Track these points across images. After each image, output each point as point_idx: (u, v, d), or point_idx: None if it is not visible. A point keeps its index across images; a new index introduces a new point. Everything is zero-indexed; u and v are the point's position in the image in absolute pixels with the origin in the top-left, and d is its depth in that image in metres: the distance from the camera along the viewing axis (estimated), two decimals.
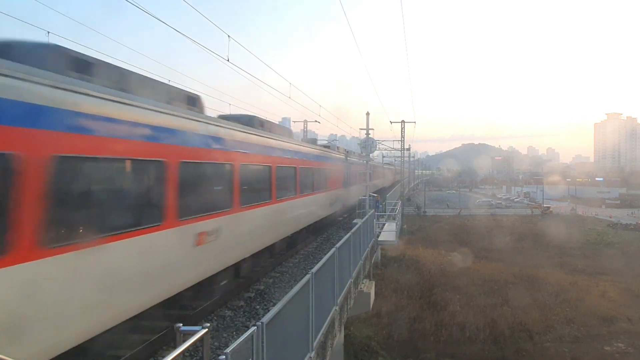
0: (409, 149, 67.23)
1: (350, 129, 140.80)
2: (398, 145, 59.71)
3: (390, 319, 23.81)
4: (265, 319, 5.00)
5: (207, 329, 4.18)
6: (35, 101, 5.11)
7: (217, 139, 9.42)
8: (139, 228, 6.63)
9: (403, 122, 59.92)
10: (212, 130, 9.28)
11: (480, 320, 24.78)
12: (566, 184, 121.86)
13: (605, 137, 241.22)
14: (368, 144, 24.63)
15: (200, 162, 8.71)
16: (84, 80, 6.22)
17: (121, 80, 7.25)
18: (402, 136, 59.50)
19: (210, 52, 11.82)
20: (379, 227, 22.95)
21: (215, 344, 8.12)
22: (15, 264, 4.76)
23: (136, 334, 8.66)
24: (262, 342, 4.81)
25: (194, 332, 4.10)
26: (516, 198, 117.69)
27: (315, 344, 7.60)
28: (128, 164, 6.75)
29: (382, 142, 54.31)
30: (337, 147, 27.72)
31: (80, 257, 5.55)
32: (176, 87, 9.56)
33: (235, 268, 10.59)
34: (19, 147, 4.88)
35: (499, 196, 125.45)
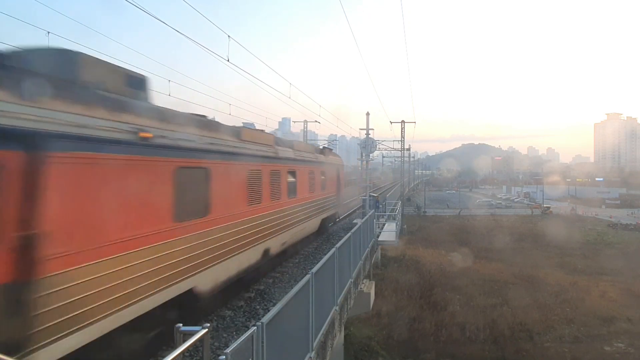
0: (409, 149, 67.27)
1: (350, 129, 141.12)
2: (398, 146, 59.77)
3: (390, 319, 23.81)
4: (265, 319, 5.00)
5: (207, 329, 4.18)
6: None
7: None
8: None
9: (403, 122, 59.92)
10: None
11: (480, 320, 24.78)
12: (566, 184, 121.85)
13: (605, 137, 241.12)
14: (368, 144, 24.65)
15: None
16: None
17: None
18: (402, 136, 59.53)
19: (210, 52, 11.84)
20: (379, 227, 22.97)
21: (215, 344, 8.11)
22: None
23: (136, 333, 8.69)
24: (262, 342, 4.81)
25: (194, 332, 4.10)
26: (516, 198, 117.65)
27: (315, 344, 7.60)
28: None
29: (382, 142, 54.39)
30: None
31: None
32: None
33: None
34: None
35: (499, 196, 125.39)
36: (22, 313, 4.65)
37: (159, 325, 7.11)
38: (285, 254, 14.73)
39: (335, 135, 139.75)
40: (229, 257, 9.31)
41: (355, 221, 19.36)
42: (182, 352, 3.76)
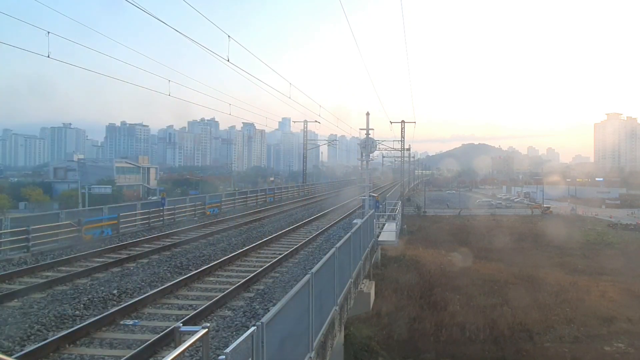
0: (409, 149, 67.43)
1: (350, 129, 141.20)
2: (398, 146, 59.90)
3: (390, 319, 23.82)
4: (265, 319, 5.00)
5: (206, 329, 4.19)
6: None
7: None
8: None
9: (403, 122, 60.11)
10: None
11: (480, 320, 24.78)
12: (566, 184, 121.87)
13: (605, 137, 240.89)
14: (368, 144, 24.63)
15: None
16: None
17: None
18: (402, 136, 59.68)
19: (210, 52, 11.85)
20: (379, 227, 22.96)
21: (215, 344, 8.12)
22: None
23: (136, 333, 8.71)
24: (262, 342, 4.81)
25: (193, 332, 4.11)
26: (516, 198, 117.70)
27: (315, 344, 7.61)
28: None
29: (382, 142, 54.47)
30: None
31: None
32: None
33: None
34: None
35: (499, 196, 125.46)
36: None
37: None
38: None
39: (335, 135, 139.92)
40: None
41: (355, 221, 19.35)
42: (182, 352, 3.77)
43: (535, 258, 43.43)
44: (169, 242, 18.61)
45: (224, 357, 3.98)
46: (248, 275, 12.88)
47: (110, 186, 72.35)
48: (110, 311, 9.46)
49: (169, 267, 14.19)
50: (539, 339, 23.89)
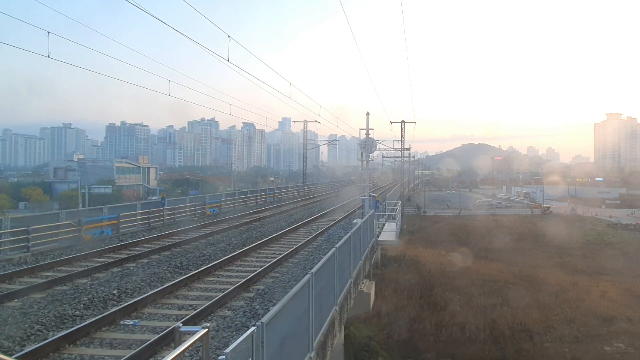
0: (409, 149, 67.48)
1: (350, 129, 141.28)
2: (398, 146, 59.98)
3: (390, 319, 23.81)
4: (265, 319, 4.99)
5: (206, 329, 4.19)
6: None
7: None
8: None
9: (403, 122, 60.19)
10: None
11: (480, 320, 24.77)
12: (566, 184, 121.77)
13: (605, 137, 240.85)
14: (368, 144, 24.62)
15: None
16: None
17: None
18: (402, 136, 59.75)
19: (210, 52, 11.86)
20: (379, 227, 22.97)
21: (215, 344, 8.12)
22: None
23: (136, 333, 8.71)
24: (262, 342, 4.81)
25: (193, 332, 4.11)
26: (516, 198, 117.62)
27: (315, 344, 7.61)
28: None
29: (382, 142, 54.51)
30: None
31: None
32: None
33: None
34: None
35: (499, 196, 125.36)
36: None
37: None
38: None
39: (335, 135, 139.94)
40: None
41: (355, 221, 19.35)
42: (182, 352, 3.77)
43: (535, 258, 43.41)
44: (169, 242, 18.61)
45: (224, 357, 3.98)
46: (248, 275, 12.88)
47: (110, 186, 72.36)
48: (110, 311, 9.47)
49: (169, 267, 14.19)
50: (539, 339, 23.88)
